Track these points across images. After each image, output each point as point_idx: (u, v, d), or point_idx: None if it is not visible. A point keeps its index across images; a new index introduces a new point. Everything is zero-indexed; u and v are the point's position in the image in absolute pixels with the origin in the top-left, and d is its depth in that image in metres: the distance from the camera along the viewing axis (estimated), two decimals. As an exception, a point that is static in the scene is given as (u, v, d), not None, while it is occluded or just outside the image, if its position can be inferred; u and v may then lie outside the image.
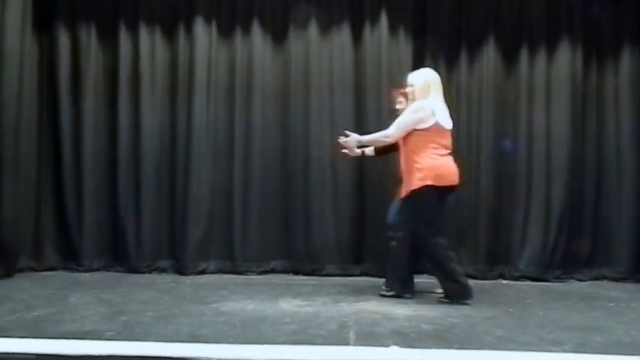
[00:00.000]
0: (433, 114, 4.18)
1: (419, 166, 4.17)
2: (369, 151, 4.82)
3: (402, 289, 4.31)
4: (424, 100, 4.23)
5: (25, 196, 5.18)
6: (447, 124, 4.27)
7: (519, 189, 5.47)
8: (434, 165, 4.17)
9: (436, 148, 4.20)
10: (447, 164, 4.24)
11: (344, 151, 4.63)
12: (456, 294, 4.17)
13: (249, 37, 5.51)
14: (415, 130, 4.19)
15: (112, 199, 5.44)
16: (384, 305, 4.04)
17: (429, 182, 4.14)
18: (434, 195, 4.19)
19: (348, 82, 5.50)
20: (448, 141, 4.28)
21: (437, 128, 4.20)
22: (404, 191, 4.30)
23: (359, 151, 4.71)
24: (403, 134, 4.27)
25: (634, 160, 5.48)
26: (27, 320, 3.42)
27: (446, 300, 4.19)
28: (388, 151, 4.69)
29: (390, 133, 4.34)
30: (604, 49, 5.51)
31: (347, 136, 4.52)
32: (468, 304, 4.10)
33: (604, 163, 5.52)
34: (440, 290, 4.32)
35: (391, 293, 4.30)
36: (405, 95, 4.49)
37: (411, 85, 4.34)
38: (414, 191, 4.20)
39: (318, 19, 5.50)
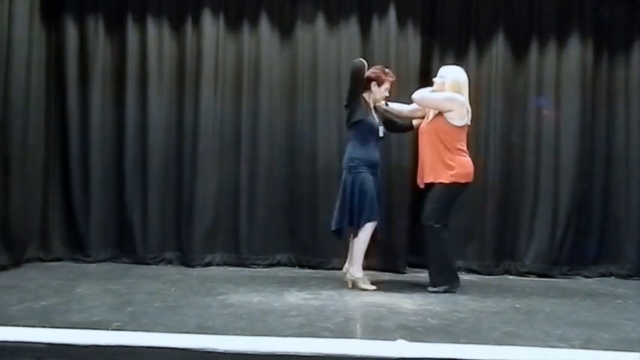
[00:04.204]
0: (468, 112, 4.28)
1: (451, 163, 4.23)
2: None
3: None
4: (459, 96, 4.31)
5: (32, 187, 5.20)
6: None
7: (527, 184, 5.44)
8: (465, 163, 4.29)
9: (463, 146, 4.31)
10: (471, 163, 4.37)
11: None
12: (441, 283, 4.28)
13: (256, 30, 5.49)
14: (453, 124, 4.24)
15: (118, 191, 5.44)
16: (391, 299, 4.04)
17: (459, 180, 4.24)
18: (458, 192, 4.32)
19: (355, 76, 5.48)
20: None
21: (467, 127, 4.33)
22: (429, 182, 4.33)
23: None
24: (445, 105, 4.25)
25: (643, 157, 5.44)
26: (35, 310, 3.44)
27: (434, 289, 4.27)
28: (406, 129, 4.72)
29: (438, 95, 4.33)
30: (615, 44, 5.46)
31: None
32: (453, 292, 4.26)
33: (613, 160, 5.47)
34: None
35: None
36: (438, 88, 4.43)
37: (442, 77, 4.37)
38: (443, 184, 4.25)
39: (325, 12, 5.47)
